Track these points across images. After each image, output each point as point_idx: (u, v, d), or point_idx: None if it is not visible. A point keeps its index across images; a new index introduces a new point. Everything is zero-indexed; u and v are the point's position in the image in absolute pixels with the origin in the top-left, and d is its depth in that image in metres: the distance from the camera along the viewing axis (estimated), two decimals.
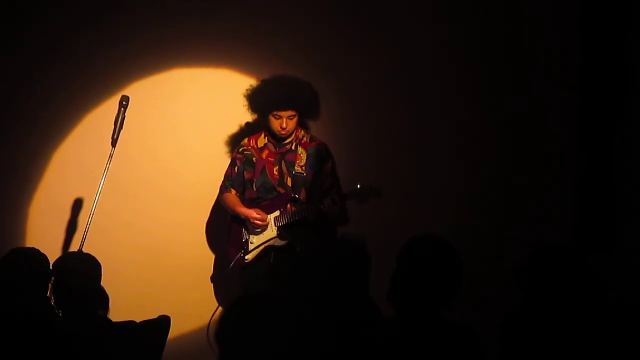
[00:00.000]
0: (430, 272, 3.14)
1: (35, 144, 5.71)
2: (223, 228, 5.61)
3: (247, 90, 5.40)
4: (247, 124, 5.75)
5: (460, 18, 5.88)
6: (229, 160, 5.54)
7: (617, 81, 5.77)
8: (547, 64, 5.90)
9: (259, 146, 5.44)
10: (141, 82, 5.75)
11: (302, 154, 5.38)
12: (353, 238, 3.38)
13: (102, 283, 3.91)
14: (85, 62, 5.71)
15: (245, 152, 5.45)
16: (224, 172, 5.50)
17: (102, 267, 3.91)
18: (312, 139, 5.44)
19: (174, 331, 4.16)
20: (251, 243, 5.39)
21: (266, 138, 5.43)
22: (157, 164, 5.82)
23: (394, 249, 3.24)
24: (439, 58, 5.90)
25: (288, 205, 5.35)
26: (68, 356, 3.50)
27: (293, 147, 5.40)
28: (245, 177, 5.44)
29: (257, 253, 5.38)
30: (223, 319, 2.85)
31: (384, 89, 5.94)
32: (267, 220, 5.32)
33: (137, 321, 3.94)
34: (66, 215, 5.70)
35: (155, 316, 4.06)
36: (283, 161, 5.39)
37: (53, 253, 4.03)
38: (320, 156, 5.40)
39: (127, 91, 5.40)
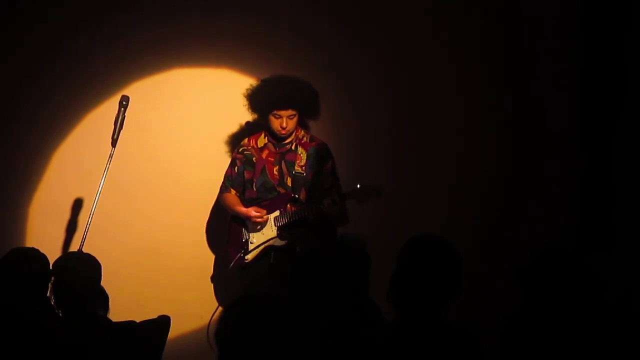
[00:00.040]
0: (430, 272, 3.14)
1: (35, 144, 5.71)
2: (223, 228, 5.61)
3: (247, 90, 5.40)
4: (247, 123, 5.75)
5: (460, 18, 5.88)
6: (229, 160, 5.54)
7: (617, 81, 5.78)
8: (547, 64, 5.89)
9: (259, 146, 5.44)
10: (141, 82, 5.75)
11: (302, 154, 5.38)
12: (353, 238, 3.39)
13: (102, 283, 3.91)
14: (85, 62, 5.71)
15: (245, 152, 5.45)
16: (224, 172, 5.50)
17: (102, 267, 3.91)
18: (312, 139, 5.44)
19: (174, 331, 4.16)
20: (251, 243, 5.39)
21: (266, 138, 5.43)
22: (157, 164, 5.82)
23: (394, 249, 3.24)
24: (439, 58, 5.90)
25: (288, 205, 5.36)
26: (68, 356, 3.51)
27: (293, 147, 5.40)
28: (245, 177, 5.44)
29: (257, 253, 5.39)
30: (223, 319, 2.85)
31: (384, 89, 5.94)
32: (266, 217, 5.32)
33: (137, 321, 3.94)
34: (66, 215, 5.70)
35: (155, 316, 4.06)
36: (283, 161, 5.39)
37: (53, 253, 4.03)
38: (320, 156, 5.40)
39: (127, 91, 5.40)
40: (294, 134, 5.39)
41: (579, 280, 3.42)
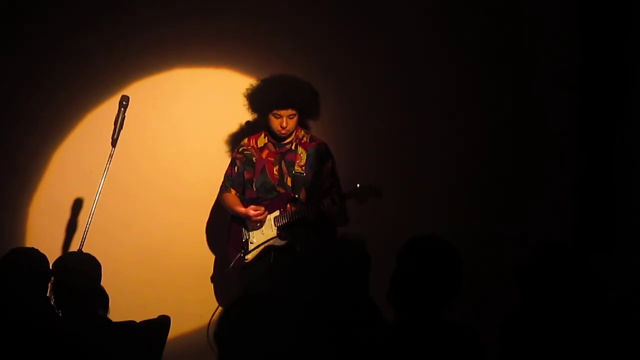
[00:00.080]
0: (430, 272, 3.14)
1: (35, 144, 5.71)
2: (223, 228, 5.61)
3: (247, 89, 5.40)
4: (247, 123, 5.75)
5: (460, 18, 5.88)
6: (229, 160, 5.54)
7: (617, 81, 5.78)
8: (547, 64, 5.90)
9: (259, 146, 5.44)
10: (141, 82, 5.75)
11: (302, 153, 5.38)
12: (353, 238, 3.38)
13: (102, 283, 3.90)
14: (85, 62, 5.71)
15: (245, 152, 5.45)
16: (224, 172, 5.50)
17: (102, 267, 3.91)
18: (312, 139, 5.44)
19: (174, 331, 4.16)
20: (251, 243, 5.39)
21: (266, 138, 5.43)
22: (157, 164, 5.82)
23: (394, 249, 3.24)
24: (439, 58, 5.90)
25: (288, 205, 5.36)
26: (68, 356, 3.50)
27: (293, 147, 5.40)
28: (245, 177, 5.44)
29: (257, 253, 5.39)
30: (223, 319, 2.85)
31: (384, 89, 5.94)
32: (265, 213, 5.32)
33: (137, 321, 3.94)
34: (66, 215, 5.70)
35: (155, 316, 4.06)
36: (283, 161, 5.39)
37: (53, 253, 4.03)
38: (320, 156, 5.40)
39: (127, 91, 5.40)
40: (294, 134, 5.39)
41: (579, 280, 3.42)
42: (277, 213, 5.35)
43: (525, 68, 5.91)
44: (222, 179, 5.51)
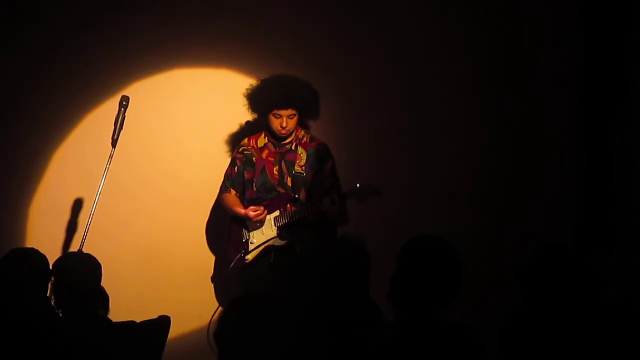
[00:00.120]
0: (430, 272, 3.14)
1: (35, 144, 5.71)
2: (223, 228, 5.61)
3: (247, 89, 5.40)
4: (247, 123, 5.75)
5: (460, 18, 5.88)
6: (229, 160, 5.54)
7: (617, 81, 5.78)
8: (547, 64, 5.90)
9: (259, 146, 5.44)
10: (141, 82, 5.75)
11: (302, 154, 5.38)
12: (353, 238, 3.38)
13: (102, 283, 3.90)
14: (85, 62, 5.71)
15: (245, 152, 5.45)
16: (224, 172, 5.50)
17: (102, 267, 3.91)
18: (312, 139, 5.44)
19: (174, 331, 4.15)
20: (251, 243, 5.39)
21: (266, 138, 5.43)
22: (157, 164, 5.82)
23: (394, 249, 3.24)
24: (439, 58, 5.90)
25: (288, 205, 5.36)
26: (68, 356, 3.50)
27: (293, 147, 5.40)
28: (245, 177, 5.44)
29: (257, 253, 5.39)
30: (222, 319, 2.85)
31: (384, 89, 5.94)
32: (265, 212, 5.32)
33: (137, 321, 3.94)
34: (66, 215, 5.70)
35: (155, 316, 4.06)
36: (283, 161, 5.39)
37: (53, 253, 4.03)
38: (320, 156, 5.40)
39: (127, 91, 5.40)
40: (294, 133, 5.39)
41: (579, 280, 3.42)
42: (277, 213, 5.35)
43: (525, 68, 5.90)
44: (222, 179, 5.50)
